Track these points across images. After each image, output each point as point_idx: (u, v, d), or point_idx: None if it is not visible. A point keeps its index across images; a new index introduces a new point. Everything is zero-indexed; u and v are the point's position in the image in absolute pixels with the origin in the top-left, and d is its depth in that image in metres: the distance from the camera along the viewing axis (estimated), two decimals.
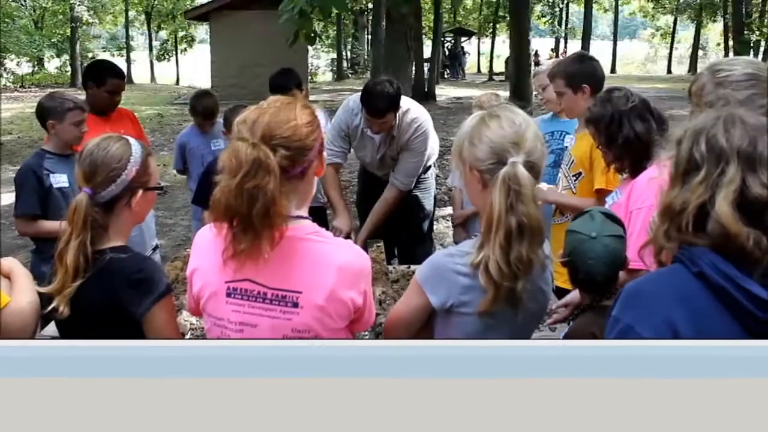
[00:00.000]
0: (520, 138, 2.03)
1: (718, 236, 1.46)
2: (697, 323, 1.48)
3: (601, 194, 3.45)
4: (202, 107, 5.79)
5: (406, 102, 4.52)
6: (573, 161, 3.84)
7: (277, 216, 1.83)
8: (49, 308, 2.14)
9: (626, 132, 2.92)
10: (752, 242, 1.44)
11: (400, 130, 4.45)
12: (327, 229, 2.13)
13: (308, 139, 1.94)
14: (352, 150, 4.81)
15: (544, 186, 3.77)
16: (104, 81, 4.70)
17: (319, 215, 4.73)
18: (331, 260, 1.94)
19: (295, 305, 1.92)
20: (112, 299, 2.19)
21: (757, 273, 1.45)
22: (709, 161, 1.50)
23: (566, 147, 4.15)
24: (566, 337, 2.64)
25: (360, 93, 4.39)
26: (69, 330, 2.33)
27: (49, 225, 3.82)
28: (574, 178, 3.82)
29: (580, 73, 3.84)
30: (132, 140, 2.39)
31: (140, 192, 2.35)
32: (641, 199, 2.75)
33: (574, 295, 2.78)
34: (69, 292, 2.15)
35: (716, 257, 1.47)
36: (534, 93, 4.46)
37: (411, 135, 4.47)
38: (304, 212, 2.03)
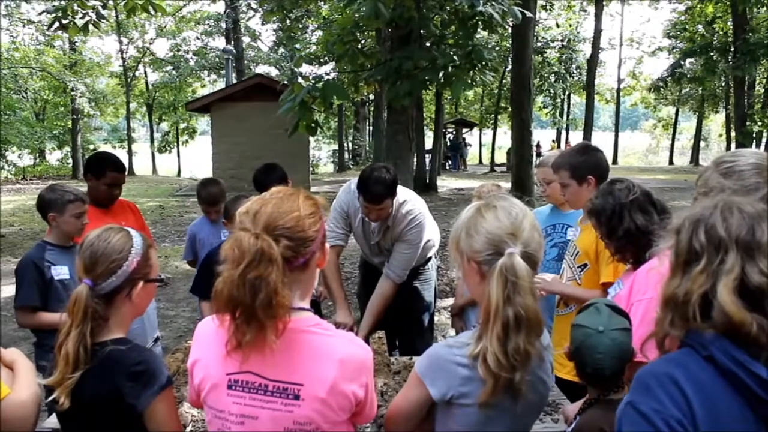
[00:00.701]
0: (517, 228, 2.08)
1: (723, 324, 1.47)
2: (709, 406, 1.46)
3: (608, 287, 3.41)
4: (206, 194, 5.74)
5: (404, 193, 4.54)
6: (578, 252, 3.80)
7: (280, 307, 1.83)
8: (49, 399, 2.18)
9: (627, 224, 2.97)
10: (756, 327, 1.45)
11: (395, 220, 4.47)
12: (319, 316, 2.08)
13: (311, 230, 1.96)
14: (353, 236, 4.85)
15: (548, 277, 3.87)
16: (103, 174, 4.68)
17: (314, 309, 4.38)
18: (333, 353, 1.94)
19: (297, 398, 1.91)
20: (113, 391, 2.17)
21: (764, 357, 1.46)
22: (709, 251, 1.53)
23: (569, 240, 4.13)
24: (575, 430, 2.56)
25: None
26: (69, 422, 2.32)
27: (49, 317, 3.92)
28: (579, 269, 3.79)
29: (585, 164, 3.85)
30: (133, 232, 2.42)
31: (141, 284, 2.36)
32: (641, 290, 2.75)
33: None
34: (69, 383, 2.16)
35: (726, 342, 1.48)
36: (536, 183, 4.33)
37: (405, 226, 4.48)
38: (306, 304, 2.05)
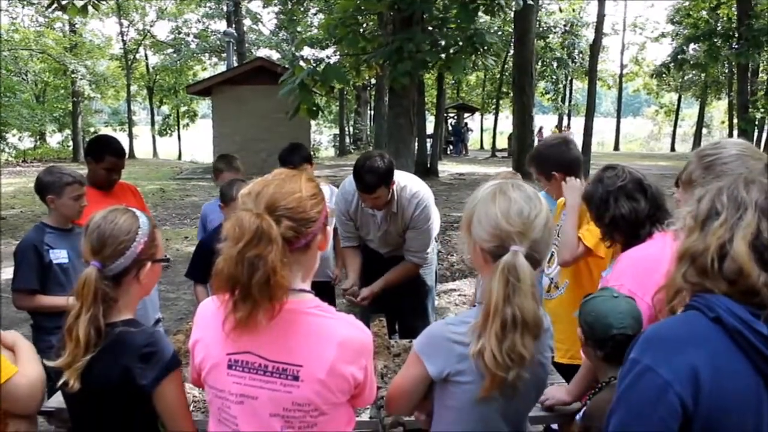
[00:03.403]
0: (528, 228, 2.07)
1: (732, 274, 1.56)
2: (715, 365, 1.53)
3: (589, 252, 3.59)
4: (219, 158, 5.66)
5: (404, 178, 4.54)
6: None
7: (278, 287, 1.84)
8: (60, 382, 2.18)
9: (612, 211, 3.03)
10: (762, 282, 1.53)
11: (399, 206, 4.46)
12: (334, 304, 2.13)
13: (312, 211, 1.96)
14: None
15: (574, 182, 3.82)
16: (102, 158, 4.67)
17: (327, 291, 4.92)
18: (333, 334, 1.95)
19: (296, 378, 1.92)
20: (123, 373, 2.17)
21: (764, 315, 1.54)
22: (729, 208, 1.62)
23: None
24: (585, 415, 2.61)
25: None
26: (78, 404, 2.33)
27: (48, 300, 3.96)
28: None
29: (548, 161, 3.93)
30: (138, 212, 2.40)
31: (149, 264, 2.37)
32: (615, 276, 2.88)
33: (557, 395, 2.97)
34: (80, 365, 2.16)
35: (731, 303, 1.55)
36: None
37: (413, 211, 4.46)
38: (307, 286, 2.05)
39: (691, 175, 2.55)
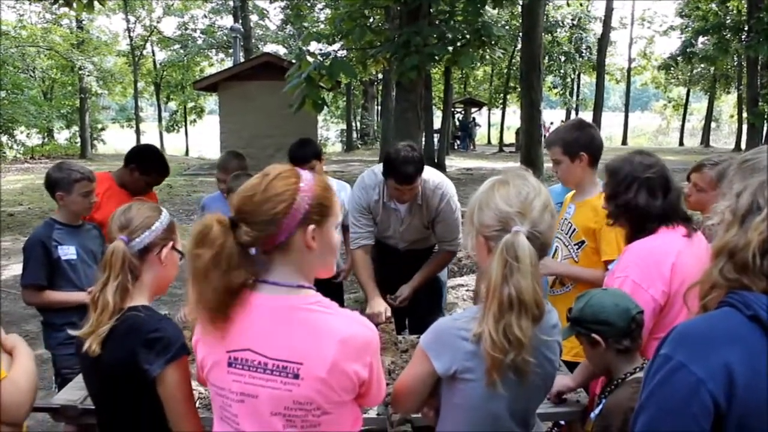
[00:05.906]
0: (526, 207, 2.08)
1: None
2: (750, 364, 1.46)
3: (610, 264, 3.45)
4: (221, 160, 5.62)
5: (425, 170, 4.42)
6: (575, 230, 3.83)
7: (224, 291, 1.89)
8: (84, 349, 2.24)
9: (628, 197, 3.00)
10: None
11: (424, 197, 4.41)
12: (342, 301, 2.15)
13: (272, 210, 1.89)
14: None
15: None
16: (149, 173, 4.78)
17: (331, 287, 4.79)
18: (334, 331, 1.91)
19: (296, 376, 1.88)
20: (128, 356, 2.22)
21: None
22: None
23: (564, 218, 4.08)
24: (602, 413, 2.58)
25: (375, 167, 4.45)
26: (90, 383, 2.47)
27: (56, 296, 4.02)
28: (576, 246, 3.81)
29: (578, 141, 3.82)
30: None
31: (170, 244, 2.50)
32: (620, 268, 2.93)
33: (561, 381, 2.94)
34: (102, 331, 2.24)
35: None
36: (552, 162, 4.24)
37: (438, 203, 4.44)
38: (306, 282, 2.01)
39: (732, 181, 2.49)
